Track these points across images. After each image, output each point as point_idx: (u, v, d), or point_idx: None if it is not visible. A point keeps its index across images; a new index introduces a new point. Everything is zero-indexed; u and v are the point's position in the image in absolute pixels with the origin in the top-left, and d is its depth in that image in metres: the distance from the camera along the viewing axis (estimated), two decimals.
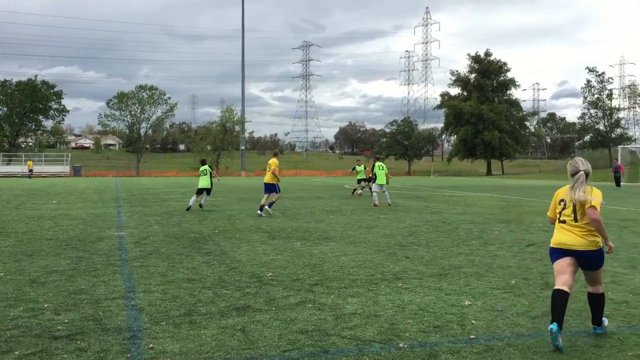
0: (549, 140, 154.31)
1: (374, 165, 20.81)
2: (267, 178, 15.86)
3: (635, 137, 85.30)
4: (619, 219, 15.18)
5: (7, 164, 72.98)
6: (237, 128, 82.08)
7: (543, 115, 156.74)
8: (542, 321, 5.40)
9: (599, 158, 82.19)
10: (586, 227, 4.89)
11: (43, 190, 29.81)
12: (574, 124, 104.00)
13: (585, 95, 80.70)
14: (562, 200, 5.10)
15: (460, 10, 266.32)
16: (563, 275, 4.90)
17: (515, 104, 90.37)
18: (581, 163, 5.09)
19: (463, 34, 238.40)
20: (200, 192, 17.73)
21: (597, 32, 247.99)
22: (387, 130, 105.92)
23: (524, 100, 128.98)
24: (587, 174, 5.00)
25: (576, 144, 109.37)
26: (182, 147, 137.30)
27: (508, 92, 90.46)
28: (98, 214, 15.84)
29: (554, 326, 4.54)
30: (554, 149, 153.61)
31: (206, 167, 18.29)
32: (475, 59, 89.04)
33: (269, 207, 15.61)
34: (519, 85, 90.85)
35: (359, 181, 25.92)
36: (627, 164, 43.95)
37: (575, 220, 4.94)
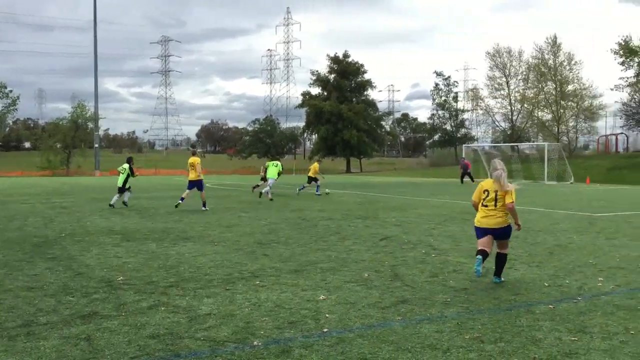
0: (403, 139, 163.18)
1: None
2: (193, 176, 16.84)
3: (478, 136, 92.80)
4: (461, 212, 16.42)
5: None
6: (90, 125, 77.47)
7: (397, 115, 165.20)
8: (390, 311, 5.66)
9: (446, 156, 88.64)
10: (502, 210, 6.88)
11: None
12: (425, 124, 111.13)
13: (434, 97, 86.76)
14: (486, 190, 6.99)
15: (321, 12, 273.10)
16: (484, 244, 6.95)
17: (372, 104, 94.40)
18: (499, 164, 7.01)
19: (324, 35, 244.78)
20: (121, 190, 17.90)
21: (444, 39, 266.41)
22: (250, 129, 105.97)
23: (380, 101, 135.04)
24: (502, 172, 6.91)
25: (427, 142, 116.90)
26: (27, 145, 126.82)
27: (365, 92, 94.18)
28: None
29: (480, 257, 6.75)
30: (407, 147, 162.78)
31: (126, 166, 18.12)
32: (335, 60, 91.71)
33: (204, 207, 16.68)
34: (375, 87, 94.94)
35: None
36: (470, 161, 47.67)
37: (495, 206, 6.90)
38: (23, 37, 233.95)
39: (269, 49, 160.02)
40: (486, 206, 6.97)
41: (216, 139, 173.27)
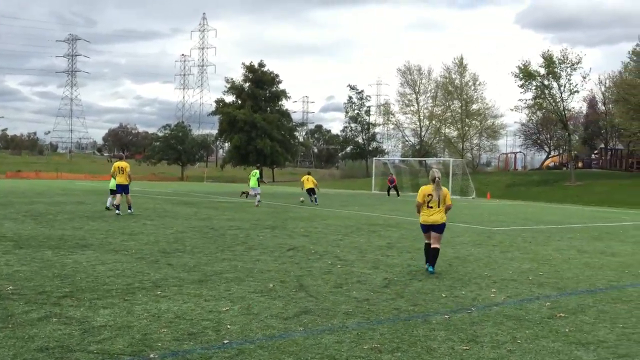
0: (316, 150, 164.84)
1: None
2: (121, 179, 17.31)
3: (388, 150, 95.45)
4: (367, 223, 16.79)
5: None
6: None
7: (311, 126, 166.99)
8: (293, 322, 5.69)
9: (358, 168, 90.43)
10: (442, 209, 8.85)
11: None
12: (338, 136, 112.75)
13: (347, 110, 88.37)
14: (430, 194, 8.86)
15: (238, 20, 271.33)
16: (429, 238, 8.92)
17: (286, 114, 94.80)
18: (437, 173, 8.93)
19: (240, 43, 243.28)
20: (113, 192, 18.52)
21: (360, 54, 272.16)
22: (160, 134, 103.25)
23: (295, 112, 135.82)
24: (440, 179, 8.88)
25: (339, 154, 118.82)
26: None
27: (280, 102, 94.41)
28: None
29: (427, 265, 8.82)
30: (320, 158, 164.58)
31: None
32: (250, 68, 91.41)
33: (130, 209, 17.37)
34: (290, 97, 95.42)
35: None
36: (379, 174, 48.90)
37: (439, 206, 8.84)
38: None
39: (183, 54, 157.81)
40: (431, 207, 8.86)
41: (124, 143, 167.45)
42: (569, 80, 48.03)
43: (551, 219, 22.07)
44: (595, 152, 67.09)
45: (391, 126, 79.79)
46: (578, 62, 47.35)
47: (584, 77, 51.35)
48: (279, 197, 32.24)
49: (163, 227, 13.76)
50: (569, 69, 47.60)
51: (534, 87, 49.33)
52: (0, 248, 9.74)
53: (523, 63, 48.73)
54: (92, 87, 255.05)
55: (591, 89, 59.76)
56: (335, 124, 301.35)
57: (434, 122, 72.08)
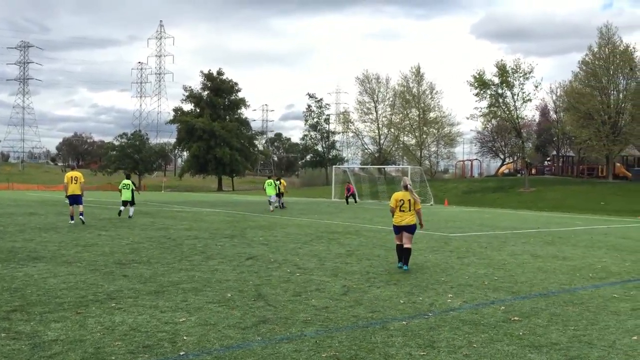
0: (276, 158, 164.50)
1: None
2: (76, 189, 17.45)
3: (348, 157, 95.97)
4: (327, 231, 16.84)
5: None
6: None
7: (271, 135, 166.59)
8: (251, 331, 5.63)
9: (318, 176, 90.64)
10: (413, 212, 9.85)
11: None
12: (297, 144, 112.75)
13: (307, 118, 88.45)
14: (402, 199, 9.87)
15: (196, 28, 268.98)
16: (401, 238, 9.90)
17: (245, 122, 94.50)
18: (407, 180, 10.09)
19: (198, 51, 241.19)
20: (124, 204, 20.72)
21: (319, 63, 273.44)
22: (117, 143, 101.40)
23: (254, 120, 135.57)
24: (411, 185, 10.00)
25: (299, 162, 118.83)
26: None
27: (239, 111, 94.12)
28: None
29: (400, 264, 9.94)
30: (280, 166, 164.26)
31: (129, 181, 21.12)
32: (208, 76, 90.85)
33: (82, 215, 17.44)
34: (249, 105, 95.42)
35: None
36: (338, 182, 49.08)
37: (409, 209, 9.84)
38: None
39: (140, 62, 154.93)
40: (403, 211, 9.84)
41: (80, 152, 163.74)
42: (522, 89, 49.39)
43: (506, 224, 22.55)
44: (548, 159, 69.07)
45: (350, 134, 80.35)
46: (530, 72, 48.72)
47: (536, 86, 53.19)
48: (238, 206, 32.02)
49: (119, 238, 13.49)
50: (521, 78, 48.93)
51: (488, 96, 50.48)
52: None
53: (478, 72, 49.85)
54: (45, 95, 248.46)
55: (543, 98, 61.87)
56: (295, 132, 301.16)
57: (392, 130, 72.98)
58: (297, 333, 5.61)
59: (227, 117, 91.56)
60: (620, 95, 51.11)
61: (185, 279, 8.37)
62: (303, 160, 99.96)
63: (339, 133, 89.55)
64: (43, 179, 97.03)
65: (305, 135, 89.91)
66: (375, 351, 5.12)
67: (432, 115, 69.96)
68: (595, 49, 51.53)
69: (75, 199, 17.36)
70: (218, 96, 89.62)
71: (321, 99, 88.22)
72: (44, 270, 8.72)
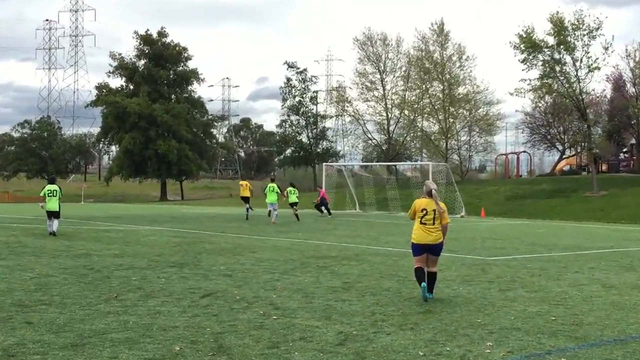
0: (242, 154, 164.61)
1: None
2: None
3: (344, 151, 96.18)
4: (315, 255, 16.85)
5: None
6: None
7: (235, 121, 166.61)
8: None
9: (302, 178, 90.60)
10: (438, 227, 10.47)
11: None
12: (273, 133, 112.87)
13: (285, 97, 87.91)
14: (424, 209, 10.47)
15: None
16: (421, 262, 10.55)
17: (198, 104, 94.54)
18: (432, 184, 10.71)
19: (129, 3, 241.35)
20: (49, 215, 22.18)
21: (302, 19, 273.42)
22: (16, 135, 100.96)
23: (211, 100, 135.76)
24: (437, 191, 10.61)
25: (276, 159, 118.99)
26: None
27: (189, 88, 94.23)
28: None
29: (425, 285, 10.35)
30: (249, 165, 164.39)
31: (56, 187, 22.66)
32: (146, 39, 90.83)
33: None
34: (203, 80, 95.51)
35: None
36: (333, 186, 49.20)
37: (433, 223, 10.42)
38: None
39: (47, 20, 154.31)
40: (425, 224, 10.45)
41: None
42: (587, 52, 49.66)
43: (567, 242, 22.66)
44: (625, 150, 69.45)
45: (348, 118, 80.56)
46: (598, 28, 49.01)
47: (607, 48, 53.24)
48: (190, 222, 31.97)
49: (20, 270, 13.43)
50: (586, 38, 49.21)
51: (540, 63, 50.79)
52: None
53: (525, 30, 50.13)
54: None
55: (617, 65, 61.56)
56: (270, 117, 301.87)
57: (406, 111, 73.24)
58: None
59: (173, 96, 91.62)
60: None
61: (114, 326, 8.34)
62: (281, 156, 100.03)
63: (331, 117, 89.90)
64: None
65: (284, 122, 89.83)
66: None
67: (461, 90, 70.41)
68: None
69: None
70: (160, 67, 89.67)
71: (305, 70, 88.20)
72: None
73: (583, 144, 62.17)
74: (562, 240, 23.61)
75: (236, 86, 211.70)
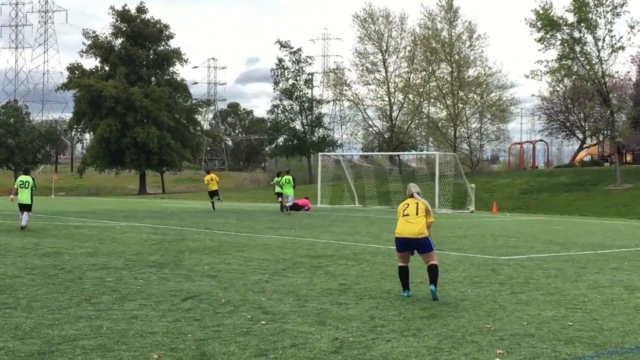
0: (230, 142, 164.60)
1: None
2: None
3: (343, 140, 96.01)
4: (309, 255, 16.87)
5: None
6: None
7: (222, 106, 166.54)
8: None
9: (295, 170, 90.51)
10: (422, 221, 11.04)
11: None
12: (264, 120, 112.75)
13: (277, 79, 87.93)
14: (407, 204, 11.26)
15: None
16: (404, 259, 11.33)
17: (181, 87, 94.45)
18: (414, 187, 11.53)
19: None
20: (20, 208, 23.08)
21: None
22: None
23: (195, 83, 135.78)
24: (419, 194, 11.47)
25: (267, 149, 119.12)
26: None
27: (171, 69, 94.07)
28: None
29: (406, 293, 11.27)
30: (237, 155, 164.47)
31: (29, 178, 23.63)
32: (123, 15, 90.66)
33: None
34: (187, 61, 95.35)
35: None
36: (329, 178, 49.21)
37: (417, 214, 11.08)
38: None
39: None
40: (407, 215, 11.11)
41: None
42: (610, 31, 49.66)
43: (587, 240, 22.71)
44: None
45: (346, 103, 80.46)
46: (623, 4, 49.01)
47: (632, 27, 53.23)
48: (171, 218, 31.97)
49: None
50: (609, 15, 49.21)
51: (558, 42, 50.77)
52: None
53: (542, 6, 50.11)
54: None
55: None
56: (260, 102, 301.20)
57: (410, 96, 73.21)
58: None
59: (153, 78, 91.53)
60: None
61: (86, 331, 8.35)
62: (273, 145, 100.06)
63: (328, 102, 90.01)
64: None
65: (276, 107, 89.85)
66: None
67: (471, 72, 70.33)
68: None
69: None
70: (138, 46, 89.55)
71: (299, 50, 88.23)
72: None
73: (605, 132, 62.30)
74: (582, 238, 23.65)
75: (223, 67, 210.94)
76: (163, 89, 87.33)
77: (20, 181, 23.48)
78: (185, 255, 16.51)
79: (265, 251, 17.66)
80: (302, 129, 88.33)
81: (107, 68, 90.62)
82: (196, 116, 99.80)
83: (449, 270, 14.43)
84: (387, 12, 74.32)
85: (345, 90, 77.48)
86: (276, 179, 39.00)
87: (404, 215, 11.14)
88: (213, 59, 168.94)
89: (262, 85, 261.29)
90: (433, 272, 10.90)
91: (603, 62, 50.51)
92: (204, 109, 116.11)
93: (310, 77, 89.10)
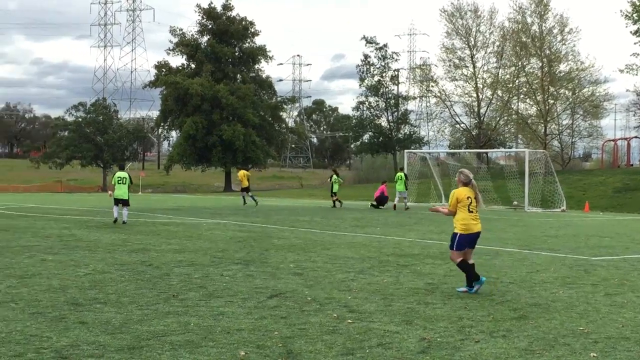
0: (315, 140, 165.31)
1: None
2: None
3: (429, 137, 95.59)
4: (395, 253, 16.80)
5: None
6: None
7: (307, 103, 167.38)
8: None
9: (381, 167, 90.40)
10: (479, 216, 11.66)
11: None
12: (349, 117, 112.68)
13: (363, 76, 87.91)
14: (469, 197, 11.37)
15: None
16: (467, 255, 11.47)
17: (266, 84, 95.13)
18: (470, 173, 11.63)
19: None
20: (117, 202, 24.71)
21: None
22: (70, 119, 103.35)
23: (280, 80, 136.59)
24: (473, 180, 11.61)
25: (352, 146, 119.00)
26: None
27: (257, 66, 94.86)
28: None
29: (483, 279, 11.46)
30: (322, 153, 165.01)
31: (125, 174, 25.30)
32: (209, 13, 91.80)
33: None
34: (272, 58, 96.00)
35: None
36: (415, 176, 48.93)
37: (477, 212, 11.48)
38: None
39: None
40: (472, 212, 11.35)
41: (13, 134, 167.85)
42: None
43: None
44: None
45: (433, 100, 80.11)
46: None
47: None
48: (257, 215, 32.27)
49: (73, 265, 13.79)
50: None
51: None
52: None
53: None
54: None
55: None
56: (346, 99, 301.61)
57: (499, 92, 72.34)
58: None
59: (239, 76, 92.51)
60: None
61: (174, 327, 8.49)
62: (358, 143, 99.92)
63: (414, 98, 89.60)
64: None
65: (361, 104, 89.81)
66: None
67: (562, 67, 69.16)
68: None
69: None
70: (224, 44, 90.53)
71: (385, 46, 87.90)
72: None
73: None
74: None
75: (308, 64, 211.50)
76: (248, 86, 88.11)
77: (118, 177, 24.99)
78: (271, 252, 16.64)
79: (350, 249, 17.69)
80: (388, 126, 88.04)
81: (193, 66, 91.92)
82: (281, 113, 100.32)
83: (539, 270, 14.21)
84: (476, 6, 73.69)
85: (432, 86, 77.11)
86: (334, 177, 41.58)
87: (470, 211, 11.36)
88: (298, 55, 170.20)
89: (348, 82, 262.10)
90: (473, 269, 11.45)
91: None
92: (289, 106, 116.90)
93: (396, 73, 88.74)
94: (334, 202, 41.21)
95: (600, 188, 52.83)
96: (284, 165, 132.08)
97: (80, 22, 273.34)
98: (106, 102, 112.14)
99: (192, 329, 8.46)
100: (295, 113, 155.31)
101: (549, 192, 44.42)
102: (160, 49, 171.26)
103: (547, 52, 68.18)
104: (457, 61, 73.39)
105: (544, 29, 68.62)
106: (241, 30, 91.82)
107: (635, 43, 50.17)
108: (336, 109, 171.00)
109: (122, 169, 26.53)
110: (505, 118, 73.56)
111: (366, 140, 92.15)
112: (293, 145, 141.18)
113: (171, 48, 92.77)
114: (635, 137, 78.17)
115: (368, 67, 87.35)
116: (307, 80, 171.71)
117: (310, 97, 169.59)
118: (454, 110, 76.20)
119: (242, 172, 44.15)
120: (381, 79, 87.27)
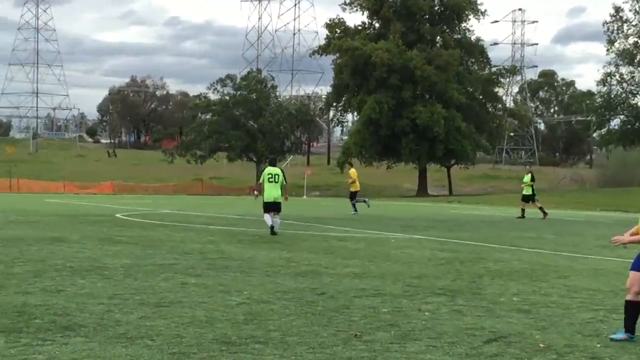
0: (542, 126, 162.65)
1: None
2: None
3: None
4: None
5: None
6: None
7: (531, 76, 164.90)
8: None
9: (636, 164, 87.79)
10: None
11: None
12: (592, 94, 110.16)
13: (611, 37, 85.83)
14: None
15: None
16: None
17: (476, 50, 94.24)
18: None
19: None
20: (269, 207, 25.57)
21: None
22: (214, 97, 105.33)
23: (495, 44, 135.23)
24: None
25: (594, 135, 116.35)
26: None
27: (463, 25, 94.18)
28: None
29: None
30: (551, 144, 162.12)
31: (278, 170, 26.24)
32: None
33: None
34: (484, 13, 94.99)
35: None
36: None
37: None
38: None
39: None
40: None
41: (140, 115, 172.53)
42: None
43: None
44: None
45: None
46: None
47: None
48: (462, 229, 32.08)
49: (222, 291, 14.12)
50: None
51: None
52: None
53: None
54: (77, 5, 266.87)
55: None
56: (588, 70, 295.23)
57: None
58: None
59: (439, 38, 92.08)
60: None
61: None
62: (603, 130, 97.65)
63: None
64: (75, 171, 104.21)
65: (610, 75, 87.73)
66: None
67: None
68: None
69: None
70: None
71: None
72: (80, 350, 9.38)
73: None
74: None
75: (534, 22, 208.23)
76: (452, 52, 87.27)
77: (269, 174, 25.07)
78: (485, 280, 16.49)
79: (596, 278, 17.29)
80: None
81: (377, 25, 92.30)
82: (496, 90, 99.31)
83: None
84: None
85: None
86: (526, 177, 42.70)
87: None
88: (520, 9, 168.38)
89: (590, 46, 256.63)
90: None
91: None
92: (507, 79, 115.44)
93: None
94: (522, 210, 42.40)
95: None
96: (498, 161, 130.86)
97: None
98: (261, 74, 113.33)
99: None
100: (516, 89, 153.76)
101: None
102: (332, 3, 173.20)
103: None
104: None
105: None
106: None
107: None
108: (572, 83, 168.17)
109: (273, 164, 26.97)
110: None
111: (616, 127, 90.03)
112: (511, 134, 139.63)
113: (347, 1, 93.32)
114: None
115: (620, 24, 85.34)
116: (533, 44, 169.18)
117: (536, 66, 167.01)
118: None
119: (353, 171, 44.99)
120: (638, 41, 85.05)
